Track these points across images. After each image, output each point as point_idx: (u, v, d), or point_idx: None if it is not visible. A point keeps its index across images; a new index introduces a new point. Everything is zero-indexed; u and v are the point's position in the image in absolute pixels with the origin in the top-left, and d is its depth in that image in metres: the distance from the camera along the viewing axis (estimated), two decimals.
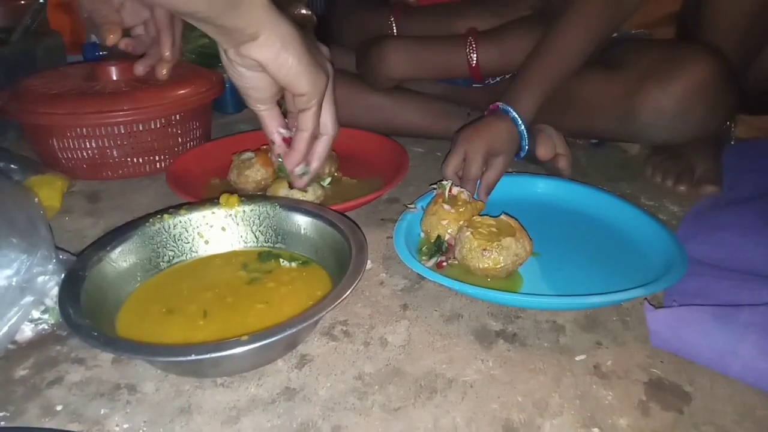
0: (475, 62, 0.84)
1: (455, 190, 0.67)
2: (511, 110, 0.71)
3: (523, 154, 0.74)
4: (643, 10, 0.86)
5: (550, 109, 0.76)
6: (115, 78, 0.87)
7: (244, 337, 0.40)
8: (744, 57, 0.75)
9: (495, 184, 0.71)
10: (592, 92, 0.75)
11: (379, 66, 0.89)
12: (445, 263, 0.61)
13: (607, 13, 0.70)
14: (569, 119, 0.80)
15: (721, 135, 0.82)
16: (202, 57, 1.11)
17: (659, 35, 0.89)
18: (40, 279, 0.51)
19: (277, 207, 0.60)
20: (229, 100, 1.13)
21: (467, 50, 0.84)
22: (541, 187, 0.75)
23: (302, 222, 0.59)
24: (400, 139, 0.96)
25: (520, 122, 0.71)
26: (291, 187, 0.72)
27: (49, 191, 0.74)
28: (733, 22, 0.72)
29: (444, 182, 0.68)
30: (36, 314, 0.52)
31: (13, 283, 0.49)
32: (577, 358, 0.49)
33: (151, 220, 0.57)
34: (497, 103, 0.73)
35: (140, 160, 0.85)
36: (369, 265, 0.64)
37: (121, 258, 0.53)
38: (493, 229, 0.60)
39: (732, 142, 0.87)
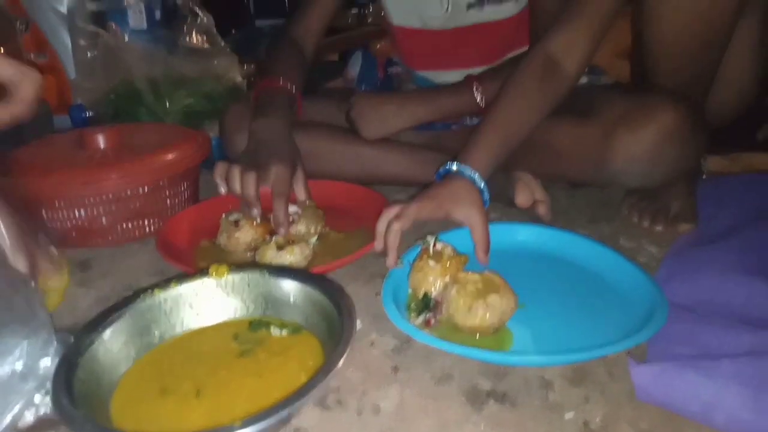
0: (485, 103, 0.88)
1: (439, 245, 0.69)
2: (467, 169, 0.69)
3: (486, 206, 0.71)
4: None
5: (526, 155, 0.79)
6: (102, 145, 0.89)
7: (237, 423, 0.41)
8: (695, 92, 0.77)
9: (486, 240, 0.67)
10: (565, 140, 0.78)
11: (369, 128, 0.92)
12: (433, 320, 0.62)
13: (541, 82, 0.73)
14: (545, 166, 0.82)
15: (693, 171, 0.85)
16: (188, 117, 1.13)
17: (618, 68, 0.92)
18: (42, 364, 0.51)
19: (266, 274, 0.61)
20: (216, 157, 1.14)
21: (475, 93, 0.89)
22: (522, 234, 0.77)
23: (291, 288, 0.60)
24: (385, 187, 0.99)
25: (477, 180, 0.69)
26: (279, 248, 0.74)
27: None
28: (674, 63, 0.74)
29: (428, 238, 0.69)
30: (37, 398, 0.52)
31: (17, 371, 0.50)
32: (567, 416, 0.50)
33: (141, 296, 0.58)
34: (448, 166, 0.71)
35: (129, 226, 0.86)
36: (359, 324, 0.64)
37: (113, 338, 0.54)
38: (479, 285, 0.61)
39: (704, 176, 0.90)
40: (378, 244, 0.67)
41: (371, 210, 0.87)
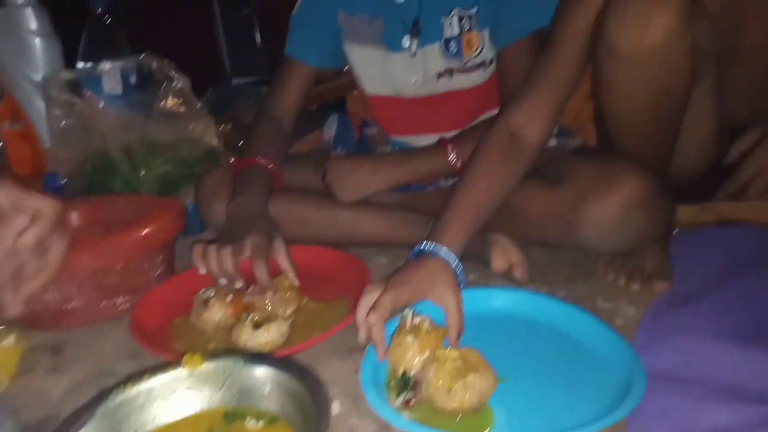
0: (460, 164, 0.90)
1: (417, 319, 0.68)
2: (440, 249, 0.69)
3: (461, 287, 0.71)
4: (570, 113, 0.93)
5: (499, 220, 0.80)
6: (75, 223, 0.88)
7: None
8: (658, 156, 0.80)
9: (460, 324, 0.66)
10: (536, 207, 0.80)
11: (344, 191, 0.94)
12: (413, 400, 0.62)
13: (506, 156, 0.74)
14: (519, 230, 0.84)
15: (665, 227, 0.86)
16: (165, 184, 1.13)
17: (588, 110, 0.94)
18: None
19: (241, 362, 0.60)
20: (192, 221, 1.14)
21: (450, 157, 0.90)
22: (498, 300, 0.77)
23: (266, 377, 0.59)
24: (362, 248, 0.99)
25: (451, 259, 0.69)
26: (256, 326, 0.73)
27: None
28: (636, 133, 0.77)
29: (406, 311, 0.69)
30: None
31: None
32: None
33: (113, 392, 0.57)
34: (421, 246, 0.70)
35: (103, 305, 0.84)
36: (338, 407, 0.63)
37: None
38: (457, 363, 0.61)
39: (675, 230, 0.91)
40: (361, 336, 0.66)
41: (350, 276, 0.87)
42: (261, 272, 0.77)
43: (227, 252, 0.78)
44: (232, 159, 1.10)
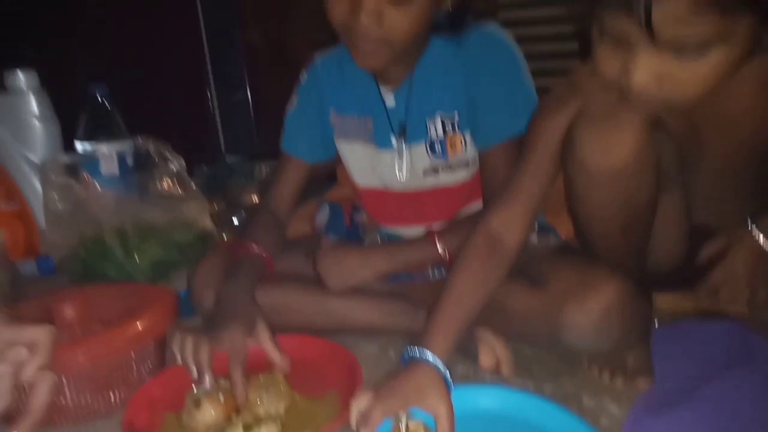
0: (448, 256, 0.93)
1: (412, 424, 0.69)
2: (429, 355, 0.70)
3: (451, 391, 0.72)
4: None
5: (488, 315, 0.83)
6: (69, 317, 0.89)
7: None
8: (631, 256, 0.84)
9: None
10: (520, 307, 0.84)
11: (334, 280, 0.97)
12: None
13: (487, 259, 0.79)
14: (505, 326, 0.86)
15: (645, 325, 0.89)
16: (157, 269, 1.15)
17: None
18: None
19: None
20: (185, 307, 1.15)
21: (438, 246, 0.94)
22: (484, 399, 0.78)
23: None
24: (351, 336, 1.00)
25: (440, 365, 0.70)
26: (246, 429, 0.74)
27: None
28: (608, 239, 0.81)
29: (401, 414, 0.70)
30: None
31: None
32: None
33: None
34: (411, 352, 0.72)
35: (94, 400, 0.84)
36: None
37: None
38: None
39: (656, 325, 0.94)
40: None
41: (340, 368, 0.88)
42: (235, 376, 0.78)
43: (203, 345, 0.79)
44: (225, 239, 1.12)
